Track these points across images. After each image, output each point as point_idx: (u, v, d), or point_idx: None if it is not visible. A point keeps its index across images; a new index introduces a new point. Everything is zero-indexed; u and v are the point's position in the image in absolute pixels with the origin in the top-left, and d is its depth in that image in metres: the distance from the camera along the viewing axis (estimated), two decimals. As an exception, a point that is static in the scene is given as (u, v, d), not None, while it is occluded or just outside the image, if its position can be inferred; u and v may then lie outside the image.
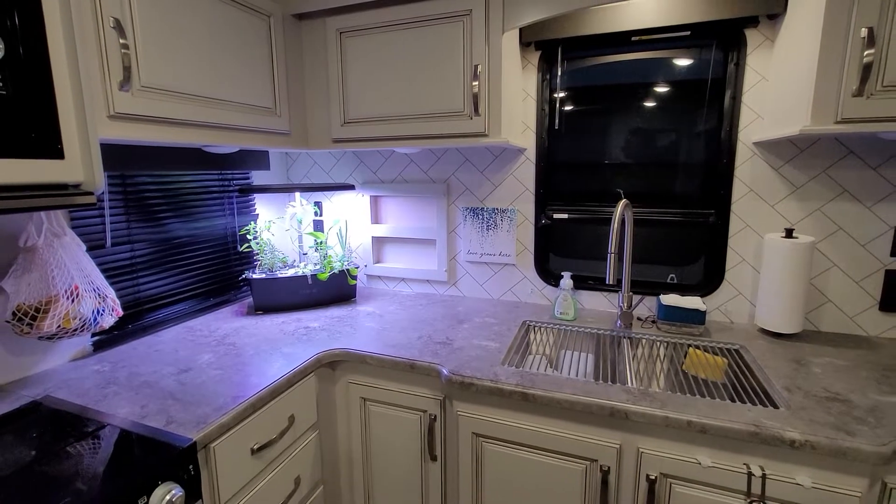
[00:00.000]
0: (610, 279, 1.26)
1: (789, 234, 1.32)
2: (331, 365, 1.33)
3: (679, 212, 1.53)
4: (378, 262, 1.95)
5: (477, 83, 1.31)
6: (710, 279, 1.51)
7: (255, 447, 1.04)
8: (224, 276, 1.73)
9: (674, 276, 1.57)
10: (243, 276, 1.59)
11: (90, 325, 1.12)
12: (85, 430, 0.89)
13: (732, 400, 1.04)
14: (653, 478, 0.98)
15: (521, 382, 1.08)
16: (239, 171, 1.74)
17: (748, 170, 1.41)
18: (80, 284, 1.11)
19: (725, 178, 1.44)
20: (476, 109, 1.32)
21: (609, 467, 1.02)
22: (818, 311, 1.40)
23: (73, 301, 1.08)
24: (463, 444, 1.15)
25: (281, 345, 1.33)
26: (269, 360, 1.22)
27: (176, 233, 1.54)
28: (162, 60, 1.07)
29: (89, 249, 1.17)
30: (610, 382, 1.09)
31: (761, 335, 1.37)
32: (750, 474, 0.91)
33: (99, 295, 1.15)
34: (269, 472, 1.10)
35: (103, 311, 1.15)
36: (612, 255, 1.25)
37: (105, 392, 1.06)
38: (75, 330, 1.10)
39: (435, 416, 1.23)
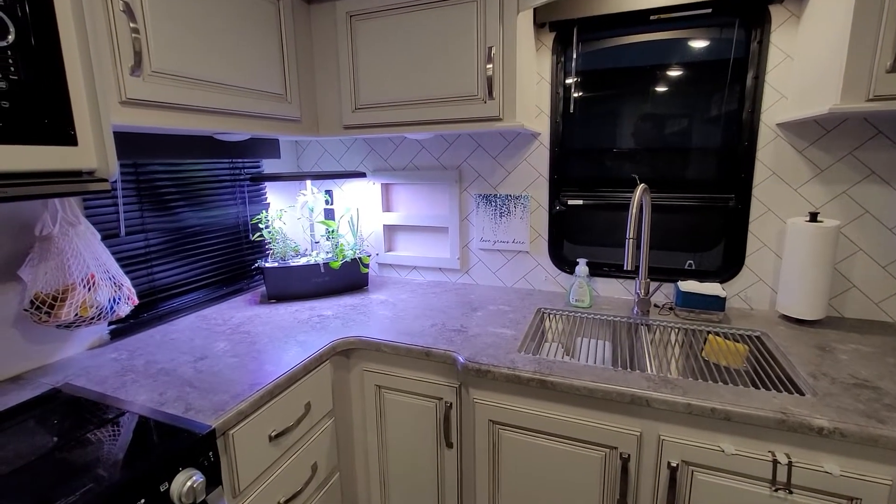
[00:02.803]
0: (628, 265, 1.23)
1: (814, 217, 1.28)
2: (345, 353, 1.32)
3: (697, 196, 1.49)
4: (389, 250, 1.94)
5: (491, 66, 1.28)
6: (729, 265, 1.48)
7: (273, 434, 1.04)
8: (236, 264, 1.73)
9: (692, 262, 1.54)
10: (256, 264, 1.59)
11: (107, 313, 1.13)
12: (105, 417, 0.90)
13: (756, 387, 1.02)
14: (674, 465, 0.96)
15: (538, 369, 1.07)
16: (249, 160, 1.73)
17: (771, 152, 1.37)
18: (96, 273, 1.11)
19: (747, 160, 1.40)
20: (490, 93, 1.29)
21: (629, 455, 1.00)
22: (842, 296, 1.36)
23: (89, 290, 1.09)
24: (479, 432, 1.14)
25: (295, 333, 1.32)
26: (283, 347, 1.22)
27: (188, 222, 1.54)
28: (172, 45, 1.05)
29: (103, 238, 1.17)
30: (629, 370, 1.07)
31: (783, 322, 1.34)
32: (775, 462, 0.89)
33: (115, 284, 1.15)
34: (287, 458, 1.10)
35: (119, 299, 1.16)
36: (631, 240, 1.23)
37: (123, 380, 1.06)
38: (92, 318, 1.10)
39: (451, 404, 1.22)
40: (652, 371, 1.08)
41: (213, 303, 1.59)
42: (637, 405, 0.99)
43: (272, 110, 1.36)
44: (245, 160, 1.71)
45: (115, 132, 0.87)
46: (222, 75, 1.19)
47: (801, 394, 0.97)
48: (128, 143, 1.26)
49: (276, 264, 1.61)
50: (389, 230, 1.93)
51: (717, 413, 0.91)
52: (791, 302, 1.33)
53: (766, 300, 1.45)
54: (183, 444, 0.82)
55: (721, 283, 1.48)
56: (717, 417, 0.92)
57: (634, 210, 1.24)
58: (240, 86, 1.25)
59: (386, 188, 1.90)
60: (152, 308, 1.42)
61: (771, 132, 1.36)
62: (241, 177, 1.69)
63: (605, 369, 1.07)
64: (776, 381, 1.07)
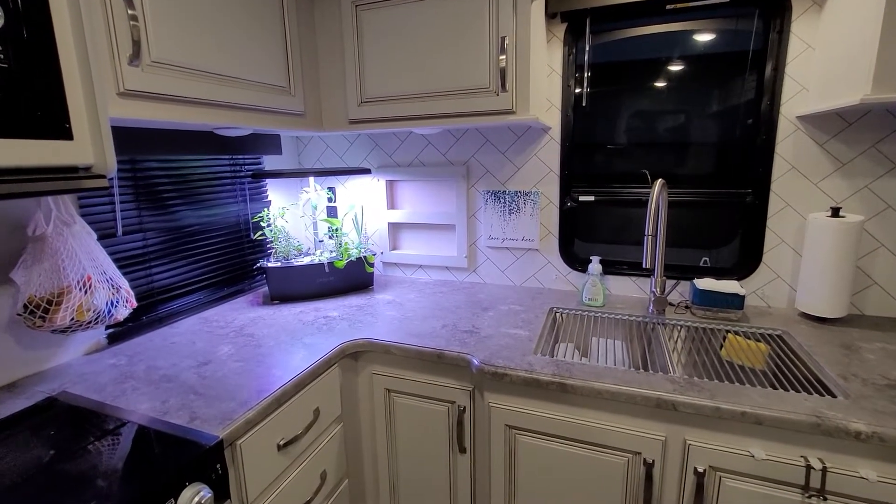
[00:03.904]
0: (647, 263, 1.19)
1: (835, 213, 1.25)
2: (353, 356, 1.28)
3: (713, 192, 1.45)
4: (395, 248, 1.89)
5: (504, 57, 1.23)
6: (746, 262, 1.44)
7: (282, 442, 0.99)
8: (238, 264, 1.67)
9: (707, 259, 1.51)
10: (258, 264, 1.54)
11: (104, 317, 1.07)
12: (105, 428, 0.85)
13: (784, 388, 0.99)
14: (701, 471, 0.93)
15: (557, 372, 1.03)
16: (251, 156, 1.68)
17: (790, 146, 1.33)
18: (93, 275, 1.05)
19: (765, 155, 1.36)
20: (503, 85, 1.24)
21: (654, 460, 0.96)
22: (863, 293, 1.33)
23: (86, 292, 1.03)
24: (495, 437, 1.10)
25: (301, 335, 1.27)
26: (290, 351, 1.17)
27: (188, 221, 1.49)
28: (172, 34, 1.00)
29: (100, 238, 1.12)
30: (651, 371, 1.03)
31: (803, 320, 1.31)
32: (809, 467, 0.85)
33: (112, 286, 1.10)
34: (296, 467, 1.05)
35: (117, 302, 1.10)
36: (649, 237, 1.19)
37: (123, 387, 1.01)
38: (89, 322, 1.05)
39: (464, 408, 1.18)
40: (675, 372, 1.05)
41: (214, 304, 1.54)
42: (662, 409, 0.95)
43: (275, 104, 1.31)
44: (246, 156, 1.66)
45: (112, 126, 0.82)
46: (224, 66, 1.14)
47: (833, 396, 0.93)
48: (125, 137, 1.20)
49: (278, 264, 1.55)
50: (394, 228, 1.88)
51: (748, 417, 0.88)
52: (811, 300, 1.29)
53: (785, 298, 1.41)
54: (189, 457, 0.77)
55: (738, 280, 1.44)
56: (748, 421, 0.88)
57: (653, 206, 1.19)
58: (242, 78, 1.19)
59: (391, 185, 1.85)
60: (151, 310, 1.37)
61: (790, 125, 1.32)
62: (242, 174, 1.64)
63: (627, 371, 1.03)
64: (804, 383, 1.03)
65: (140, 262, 1.33)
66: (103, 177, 0.80)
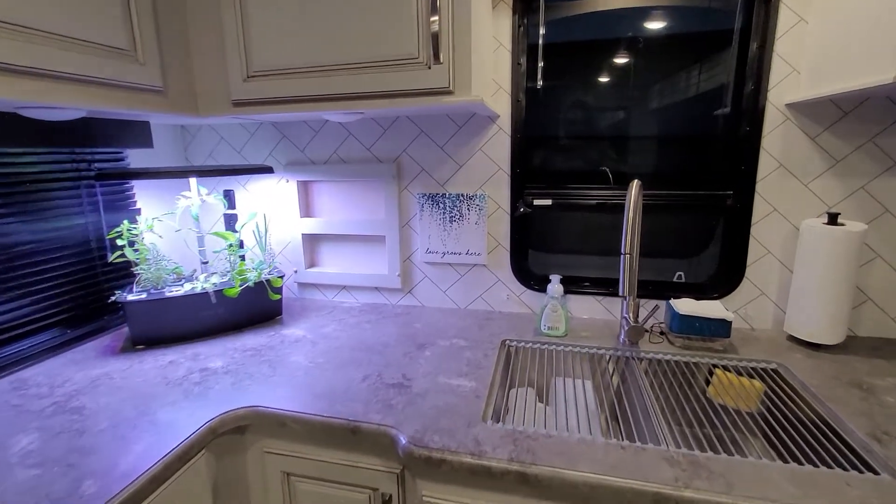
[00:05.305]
0: (624, 290, 0.93)
1: (833, 219, 1.05)
2: (239, 428, 0.92)
3: (688, 194, 1.22)
4: (312, 265, 1.53)
5: (437, 18, 0.92)
6: (726, 276, 1.23)
7: None
8: (90, 296, 1.25)
9: (682, 273, 1.28)
10: (113, 297, 1.14)
11: None
12: None
13: (808, 459, 0.75)
14: (714, 588, 0.67)
15: (515, 456, 0.73)
16: (103, 150, 1.25)
17: (778, 139, 1.12)
18: None
19: (749, 150, 1.14)
20: (436, 54, 0.93)
21: (649, 575, 0.69)
22: (856, 311, 1.15)
23: None
24: (433, 541, 0.79)
25: (157, 405, 0.90)
26: (130, 437, 0.80)
27: (13, 237, 1.06)
28: None
29: None
30: (638, 442, 0.77)
31: (796, 347, 1.11)
32: (860, 584, 0.61)
33: None
34: None
35: None
36: (628, 256, 0.92)
37: None
38: None
39: (389, 497, 0.86)
40: (670, 445, 0.78)
41: (48, 355, 1.12)
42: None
43: (113, 74, 0.91)
44: (95, 150, 1.23)
45: None
46: (25, 13, 0.74)
47: (875, 472, 0.71)
48: None
49: (142, 296, 1.15)
50: (311, 240, 1.52)
51: (781, 518, 0.62)
52: (804, 323, 1.09)
53: (770, 318, 1.21)
54: None
55: (718, 298, 1.22)
56: (780, 524, 0.63)
57: (630, 217, 0.93)
58: (56, 33, 0.79)
59: (304, 187, 1.48)
60: (-71, 376, 0.93)
61: (779, 115, 1.11)
62: (90, 173, 1.21)
63: (609, 446, 0.75)
64: (828, 446, 0.80)
65: None
66: None
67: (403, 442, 0.78)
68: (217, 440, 0.87)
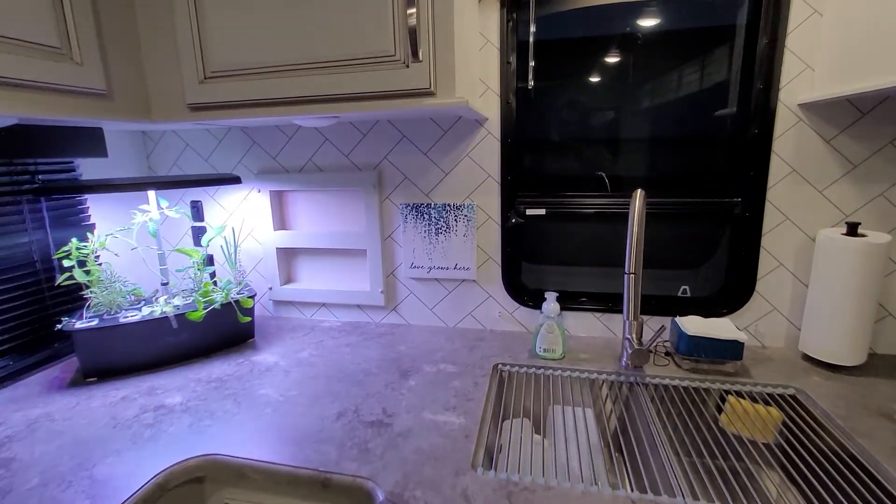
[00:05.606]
0: (629, 313, 0.83)
1: (853, 229, 0.96)
2: (197, 478, 0.80)
3: (693, 202, 1.13)
4: (289, 281, 1.41)
5: (414, 10, 0.81)
6: (735, 290, 1.14)
7: None
8: (36, 323, 1.12)
9: (686, 288, 1.19)
10: (60, 325, 1.02)
11: None
12: None
13: (837, 502, 0.66)
14: None
15: (511, 515, 0.63)
16: (48, 160, 1.13)
17: (790, 142, 1.03)
18: None
19: (758, 154, 1.05)
20: (414, 52, 0.82)
21: None
22: (875, 327, 1.06)
23: None
24: None
25: (99, 455, 0.78)
26: (60, 500, 0.68)
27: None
28: None
29: None
30: (651, 495, 0.67)
31: (813, 368, 1.02)
32: None
33: None
34: None
35: None
36: (632, 275, 0.82)
37: None
38: None
39: (369, 556, 0.75)
40: (683, 492, 0.69)
41: (-15, 391, 0.99)
42: (680, 575, 0.58)
43: (44, 76, 0.79)
44: (39, 161, 1.11)
45: None
46: None
47: (925, 529, 0.61)
48: None
49: (93, 322, 1.03)
50: (286, 255, 1.40)
51: None
52: (822, 341, 1.00)
53: (783, 335, 1.12)
54: None
55: (727, 314, 1.13)
56: None
57: (635, 231, 0.83)
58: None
59: (278, 197, 1.37)
60: None
61: (791, 116, 1.02)
62: (27, 188, 1.09)
63: (616, 500, 0.65)
64: (860, 488, 0.71)
65: None
66: None
67: (381, 497, 0.68)
68: (169, 494, 0.76)
